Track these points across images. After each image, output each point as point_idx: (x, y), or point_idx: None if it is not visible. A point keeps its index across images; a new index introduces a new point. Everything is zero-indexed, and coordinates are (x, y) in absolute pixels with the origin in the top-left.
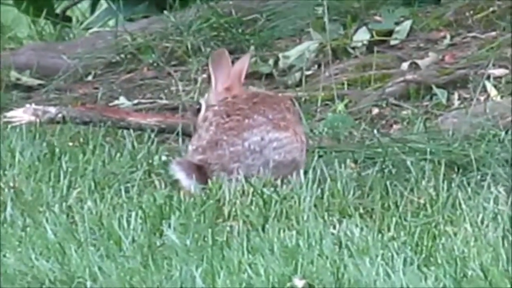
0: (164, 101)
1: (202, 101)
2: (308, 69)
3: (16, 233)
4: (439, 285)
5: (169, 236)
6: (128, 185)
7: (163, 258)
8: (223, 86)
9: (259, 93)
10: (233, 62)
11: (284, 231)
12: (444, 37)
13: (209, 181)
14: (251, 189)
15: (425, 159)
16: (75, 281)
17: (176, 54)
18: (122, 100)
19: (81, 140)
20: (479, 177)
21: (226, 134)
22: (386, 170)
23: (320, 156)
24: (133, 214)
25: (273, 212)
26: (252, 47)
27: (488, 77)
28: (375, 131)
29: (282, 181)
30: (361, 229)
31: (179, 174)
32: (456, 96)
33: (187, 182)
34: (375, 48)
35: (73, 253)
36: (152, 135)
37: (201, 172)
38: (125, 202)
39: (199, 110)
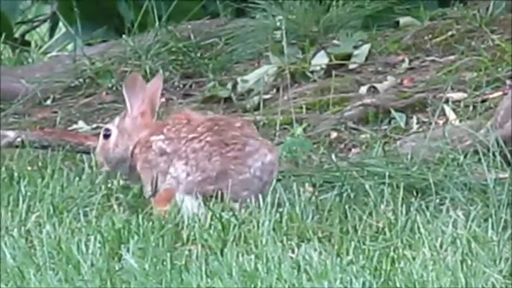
0: None
1: (112, 127)
2: (266, 93)
3: None
4: None
5: (127, 260)
6: (87, 209)
7: (121, 282)
8: (138, 110)
9: (222, 116)
10: (191, 87)
11: (242, 255)
12: (403, 61)
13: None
14: (210, 213)
15: (384, 183)
16: None
17: None
18: (80, 124)
19: (40, 164)
20: (437, 201)
21: (232, 164)
22: (344, 194)
23: (278, 180)
24: (92, 238)
25: (232, 236)
26: (160, 71)
27: (447, 101)
28: (334, 155)
29: (240, 205)
30: (320, 253)
31: (191, 204)
32: (414, 120)
33: (199, 210)
34: (334, 72)
35: (32, 277)
36: None
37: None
38: (83, 226)
39: (107, 136)
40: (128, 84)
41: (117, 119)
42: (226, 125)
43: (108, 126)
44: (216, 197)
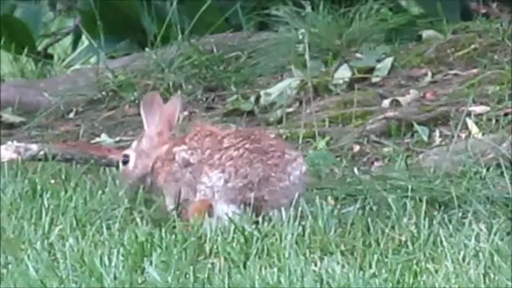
0: None
1: (130, 151)
2: (289, 106)
3: None
4: None
5: (150, 273)
6: (110, 222)
7: None
8: (155, 130)
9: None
10: (213, 100)
11: (265, 268)
12: (425, 74)
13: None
14: (232, 226)
15: (406, 196)
16: None
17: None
18: (103, 137)
19: (63, 177)
20: (460, 214)
21: (273, 171)
22: (367, 207)
23: (301, 194)
24: (115, 251)
25: (255, 249)
26: (179, 92)
27: (469, 114)
28: (356, 168)
29: (263, 218)
30: (343, 266)
31: (232, 208)
32: (437, 133)
33: (241, 217)
34: (356, 85)
35: None
36: None
37: (250, 208)
38: (106, 239)
39: (125, 162)
40: (145, 103)
41: (134, 143)
42: (261, 134)
43: (126, 152)
44: (256, 205)
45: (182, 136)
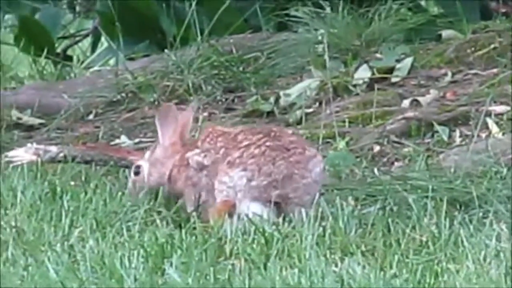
0: None
1: (143, 162)
2: (309, 107)
3: (18, 273)
4: None
5: (171, 274)
6: (130, 223)
7: None
8: (170, 141)
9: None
10: (233, 101)
11: (286, 269)
12: (445, 74)
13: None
14: (253, 227)
15: (427, 197)
16: None
17: (177, 93)
18: (123, 139)
19: (83, 179)
20: (481, 214)
21: (295, 168)
22: (387, 208)
23: (321, 194)
24: (135, 253)
25: (275, 250)
26: (195, 100)
27: (489, 114)
28: (376, 168)
29: (284, 219)
30: (363, 267)
31: (258, 209)
32: (457, 133)
33: (267, 217)
34: (376, 86)
35: None
36: None
37: (274, 206)
38: (126, 241)
39: (137, 173)
40: (161, 114)
41: (147, 154)
42: (280, 131)
43: (139, 163)
44: (279, 203)
45: (193, 141)
